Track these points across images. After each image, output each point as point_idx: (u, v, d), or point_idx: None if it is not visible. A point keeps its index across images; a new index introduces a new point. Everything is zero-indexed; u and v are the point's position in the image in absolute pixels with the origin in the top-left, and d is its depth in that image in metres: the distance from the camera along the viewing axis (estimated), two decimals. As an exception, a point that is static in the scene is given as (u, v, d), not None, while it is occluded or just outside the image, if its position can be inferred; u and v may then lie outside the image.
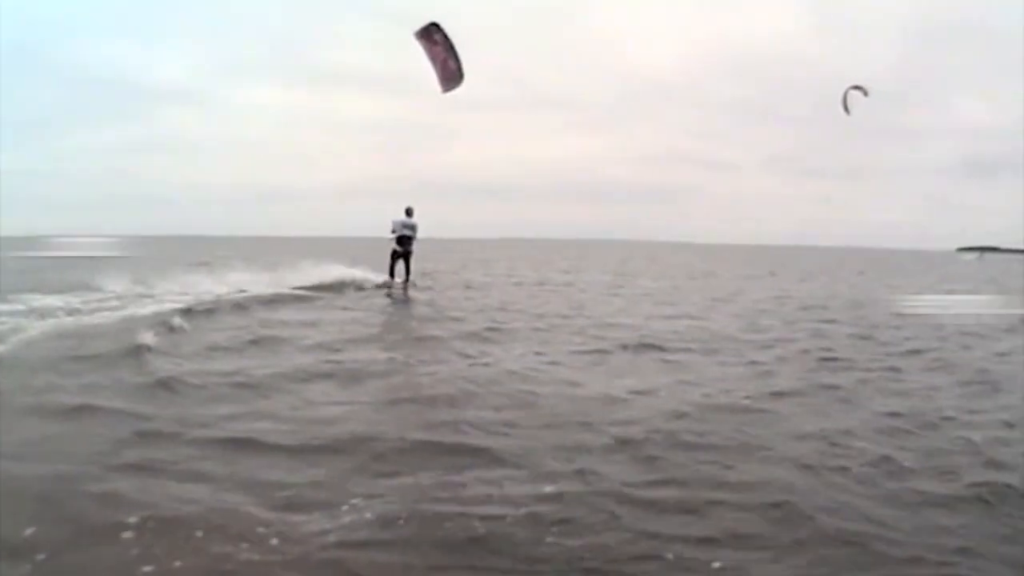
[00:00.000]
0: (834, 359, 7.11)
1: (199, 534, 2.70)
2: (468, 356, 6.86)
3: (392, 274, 14.30)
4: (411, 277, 14.40)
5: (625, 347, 7.52)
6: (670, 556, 2.64)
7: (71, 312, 8.97)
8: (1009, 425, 4.61)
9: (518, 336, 8.29)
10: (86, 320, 8.48)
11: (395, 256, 14.11)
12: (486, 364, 6.47)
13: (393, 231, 13.94)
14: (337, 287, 13.74)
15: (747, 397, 5.23)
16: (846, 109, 14.27)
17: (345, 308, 11.05)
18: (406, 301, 12.94)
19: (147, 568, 2.45)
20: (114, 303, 9.94)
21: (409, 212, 13.96)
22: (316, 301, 11.82)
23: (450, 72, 10.22)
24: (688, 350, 7.50)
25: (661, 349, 7.48)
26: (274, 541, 2.69)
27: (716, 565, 2.59)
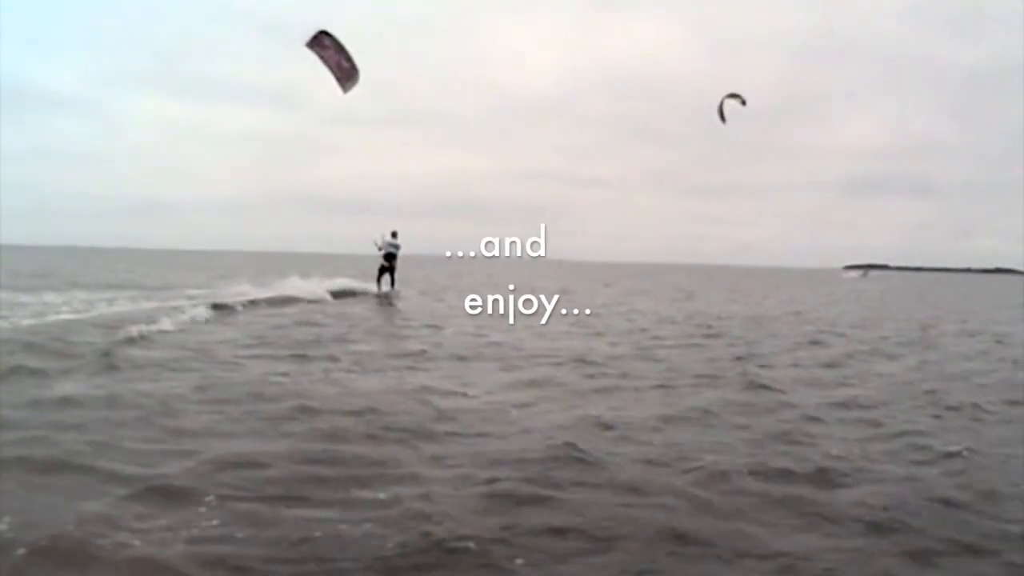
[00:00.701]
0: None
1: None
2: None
3: (379, 284, 18.54)
4: (395, 287, 18.71)
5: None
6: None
7: None
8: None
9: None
10: None
11: (382, 270, 18.41)
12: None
13: (380, 248, 18.18)
14: (347, 294, 17.92)
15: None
16: (722, 118, 13.67)
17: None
18: (392, 305, 17.26)
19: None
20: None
21: (395, 234, 18.25)
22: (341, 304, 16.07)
23: (345, 71, 10.37)
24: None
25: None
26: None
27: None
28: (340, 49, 10.16)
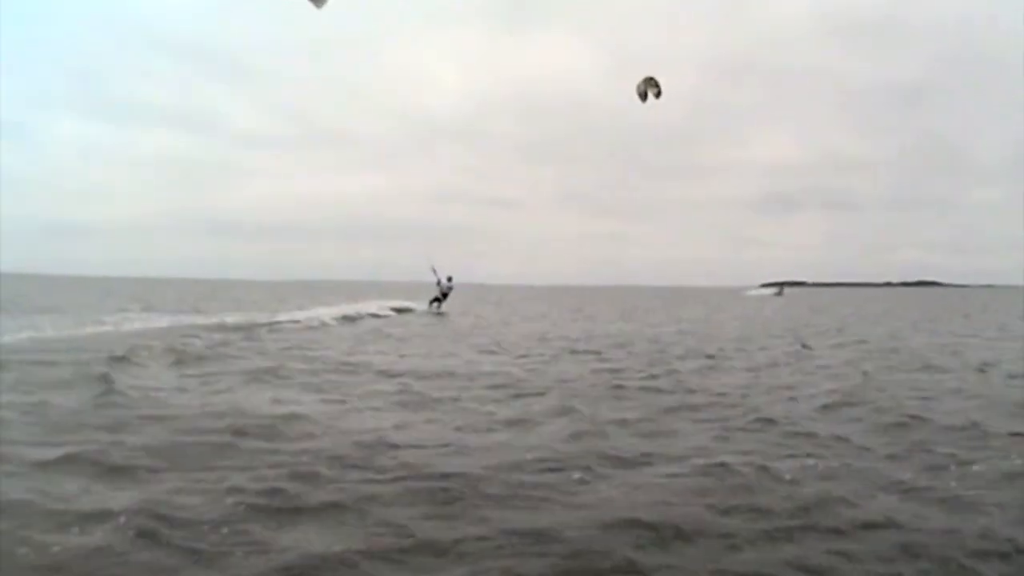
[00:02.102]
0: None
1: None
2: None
3: (431, 306, 27.23)
4: (444, 309, 27.40)
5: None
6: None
7: None
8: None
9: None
10: None
11: (437, 299, 27.14)
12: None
13: (439, 284, 26.97)
14: (405, 311, 26.54)
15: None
16: (643, 98, 12.82)
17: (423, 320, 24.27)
18: (442, 316, 25.82)
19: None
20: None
21: (450, 279, 28.26)
22: (411, 314, 24.69)
23: None
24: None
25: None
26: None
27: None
28: None
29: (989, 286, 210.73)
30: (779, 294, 76.64)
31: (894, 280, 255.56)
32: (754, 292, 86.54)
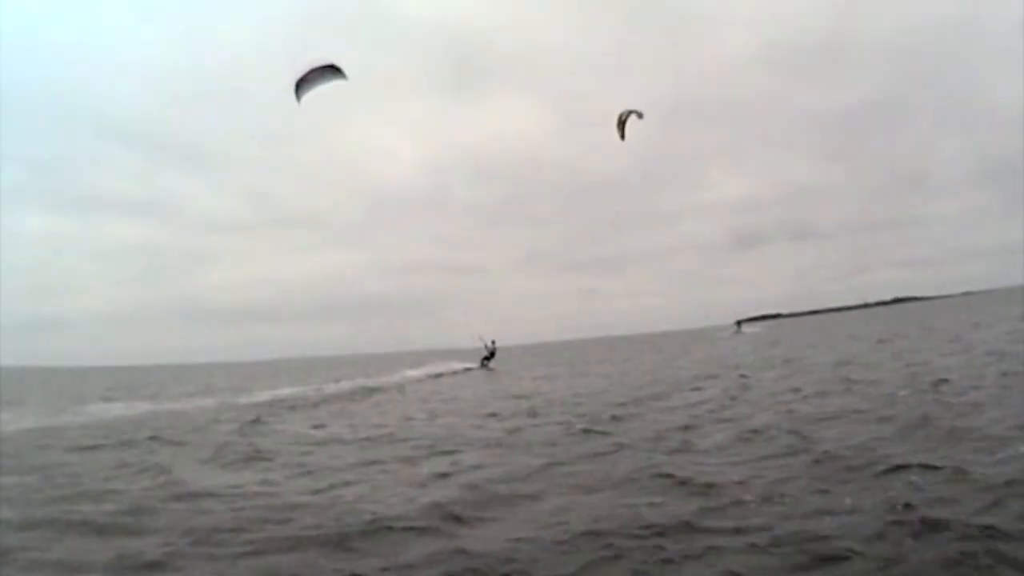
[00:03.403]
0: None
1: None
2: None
3: (483, 363, 39.41)
4: (491, 365, 39.52)
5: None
6: None
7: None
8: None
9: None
10: None
11: (486, 358, 39.35)
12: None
13: (486, 347, 39.20)
14: (469, 370, 38.72)
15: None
16: (622, 135, 14.02)
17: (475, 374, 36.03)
18: (493, 371, 37.78)
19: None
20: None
21: (494, 342, 39.71)
22: (473, 372, 36.97)
23: (301, 89, 12.36)
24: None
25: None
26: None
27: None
28: (320, 80, 12.41)
29: (967, 293, 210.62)
30: (738, 332, 76.95)
31: (871, 301, 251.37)
32: (737, 329, 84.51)
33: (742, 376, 18.99)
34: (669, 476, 7.38)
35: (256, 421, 15.88)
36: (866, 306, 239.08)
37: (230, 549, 5.77)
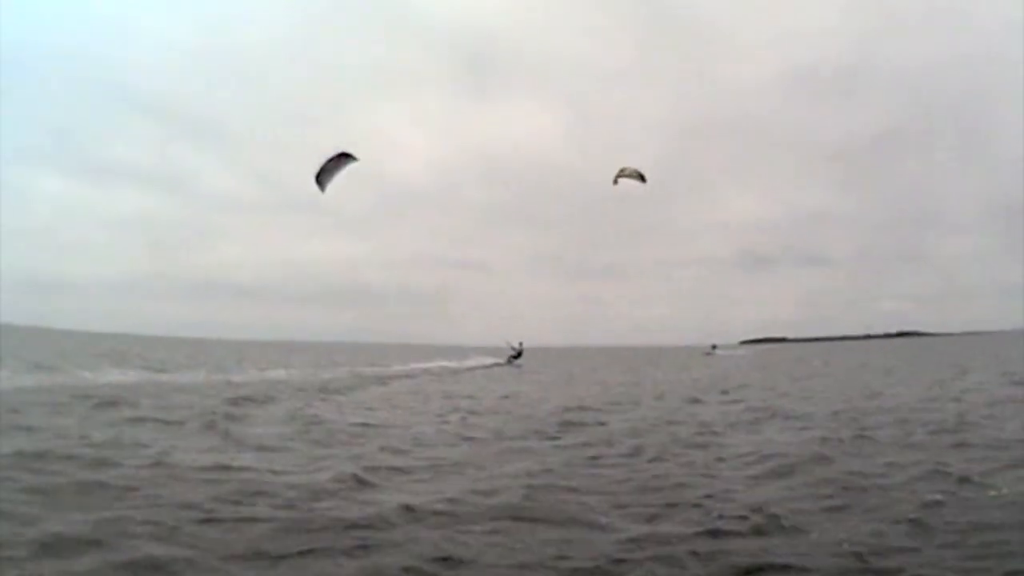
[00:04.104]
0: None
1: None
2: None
3: (510, 361, 44.50)
4: (520, 363, 44.60)
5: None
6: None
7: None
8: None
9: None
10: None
11: (512, 357, 44.43)
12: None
13: (513, 348, 44.38)
14: (496, 365, 43.66)
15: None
16: (615, 181, 13.82)
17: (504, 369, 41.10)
18: (520, 368, 42.71)
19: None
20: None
21: (521, 344, 44.94)
22: (500, 367, 41.96)
23: (323, 182, 12.87)
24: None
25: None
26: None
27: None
28: (337, 170, 13.03)
29: (973, 333, 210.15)
30: (710, 353, 77.32)
31: (876, 332, 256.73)
32: (723, 351, 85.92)
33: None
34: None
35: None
36: (870, 337, 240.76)
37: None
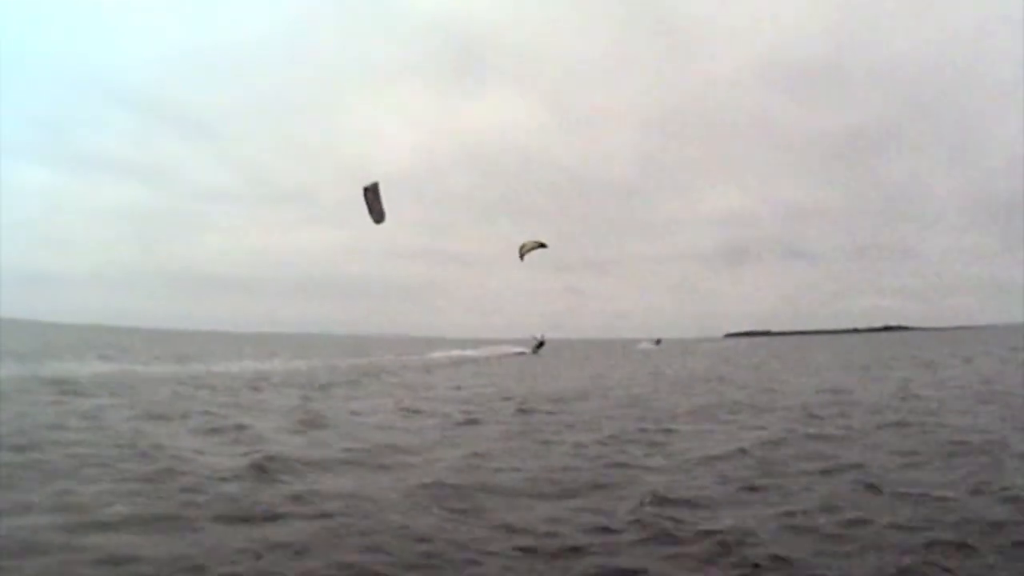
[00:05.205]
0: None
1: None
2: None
3: (534, 350, 49.85)
4: (541, 351, 49.92)
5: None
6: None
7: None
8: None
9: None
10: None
11: (536, 347, 49.81)
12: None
13: (536, 338, 49.82)
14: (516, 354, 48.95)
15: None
16: (521, 257, 15.02)
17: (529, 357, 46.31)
18: (541, 356, 47.84)
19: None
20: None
21: (543, 335, 50.77)
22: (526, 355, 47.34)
23: (379, 213, 14.29)
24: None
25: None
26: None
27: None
28: (378, 198, 14.20)
29: (959, 328, 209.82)
30: (657, 343, 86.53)
31: (860, 326, 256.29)
32: (644, 344, 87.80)
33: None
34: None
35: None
36: (855, 331, 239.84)
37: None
